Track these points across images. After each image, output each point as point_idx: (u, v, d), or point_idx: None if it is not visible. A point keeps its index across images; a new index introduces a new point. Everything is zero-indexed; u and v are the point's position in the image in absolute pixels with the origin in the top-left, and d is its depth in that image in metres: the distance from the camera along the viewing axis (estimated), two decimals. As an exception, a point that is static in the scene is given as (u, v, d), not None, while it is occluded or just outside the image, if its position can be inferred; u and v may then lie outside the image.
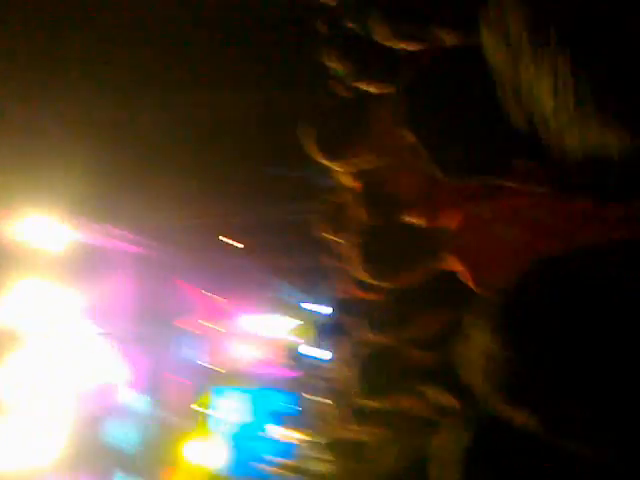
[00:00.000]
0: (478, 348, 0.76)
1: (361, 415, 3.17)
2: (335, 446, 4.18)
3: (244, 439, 12.04)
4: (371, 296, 2.73)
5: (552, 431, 0.74)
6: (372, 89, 1.65)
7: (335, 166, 1.99)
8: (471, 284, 1.42)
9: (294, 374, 11.07)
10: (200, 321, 11.76)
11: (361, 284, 2.78)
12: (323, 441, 7.67)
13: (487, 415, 0.83)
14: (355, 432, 3.77)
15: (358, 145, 1.82)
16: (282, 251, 10.42)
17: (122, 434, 9.66)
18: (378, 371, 1.99)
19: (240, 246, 10.43)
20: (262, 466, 10.52)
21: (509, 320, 0.74)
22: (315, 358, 9.37)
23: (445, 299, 1.93)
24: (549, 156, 0.84)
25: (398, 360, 1.98)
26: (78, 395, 8.28)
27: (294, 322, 11.63)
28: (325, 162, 1.93)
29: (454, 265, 1.51)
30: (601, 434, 0.70)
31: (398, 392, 1.98)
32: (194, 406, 11.80)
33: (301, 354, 9.94)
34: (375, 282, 1.80)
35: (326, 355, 9.24)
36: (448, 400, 1.74)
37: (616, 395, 0.68)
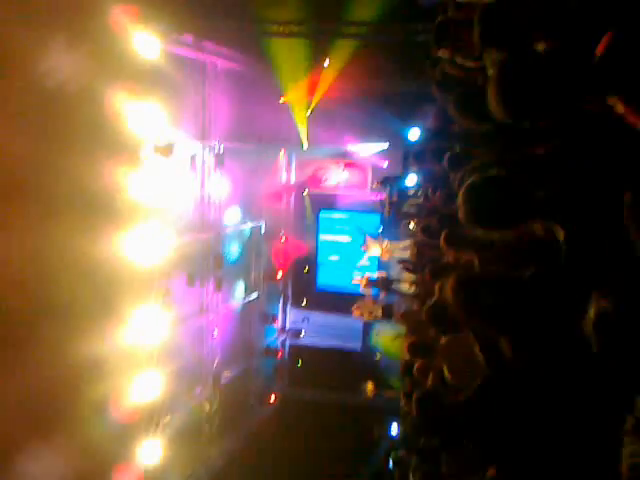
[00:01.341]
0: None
1: (457, 240, 3.33)
2: (435, 269, 4.42)
3: (339, 257, 12.93)
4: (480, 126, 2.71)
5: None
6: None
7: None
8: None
9: (385, 197, 11.42)
10: (298, 144, 12.02)
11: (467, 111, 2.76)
12: (413, 261, 8.13)
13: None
14: (451, 256, 3.95)
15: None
16: (379, 75, 10.22)
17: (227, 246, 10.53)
18: (485, 199, 1.98)
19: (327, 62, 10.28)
20: (354, 281, 11.37)
21: None
22: (404, 183, 9.58)
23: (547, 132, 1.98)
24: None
25: (507, 189, 1.97)
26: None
27: (386, 146, 11.72)
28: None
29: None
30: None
31: (504, 222, 2.00)
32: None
33: (392, 178, 10.15)
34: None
35: (414, 180, 9.41)
36: (555, 234, 1.81)
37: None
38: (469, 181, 1.99)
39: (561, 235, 1.83)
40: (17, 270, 5.08)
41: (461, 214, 2.04)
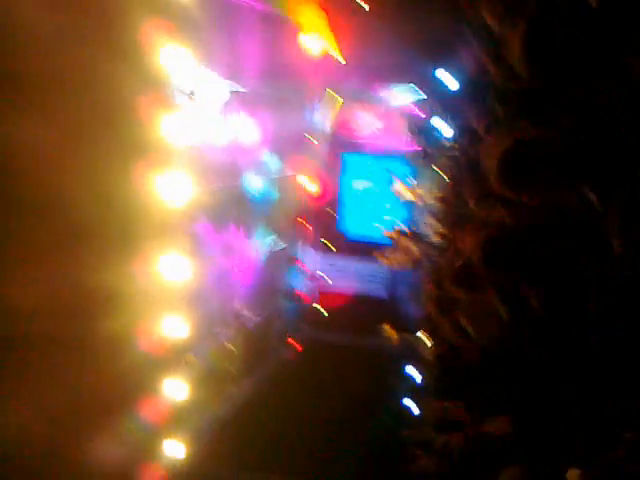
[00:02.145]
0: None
1: (487, 201, 3.26)
2: (458, 221, 4.37)
3: (365, 202, 12.81)
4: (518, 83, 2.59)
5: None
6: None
7: None
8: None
9: (415, 145, 11.19)
10: (326, 88, 11.75)
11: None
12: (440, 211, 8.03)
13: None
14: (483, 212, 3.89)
15: None
16: (413, 19, 9.83)
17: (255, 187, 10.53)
18: (524, 161, 1.89)
19: (367, 8, 9.91)
20: (380, 227, 11.31)
21: None
22: (440, 133, 9.34)
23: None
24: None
25: (546, 151, 1.88)
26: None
27: (419, 93, 11.38)
28: None
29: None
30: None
31: (541, 183, 1.92)
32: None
33: (427, 128, 9.91)
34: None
35: (448, 130, 9.17)
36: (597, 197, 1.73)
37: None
38: (503, 147, 1.93)
39: (595, 200, 1.78)
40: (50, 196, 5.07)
41: (494, 178, 2.00)
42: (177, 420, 8.23)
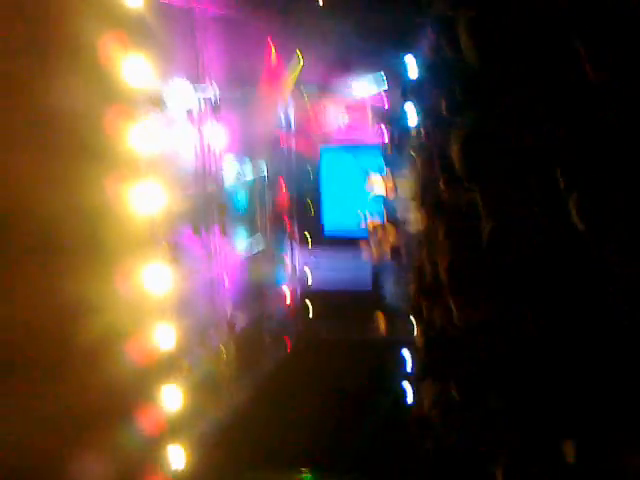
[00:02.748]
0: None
1: (456, 182, 3.33)
2: (432, 207, 4.45)
3: (343, 196, 12.87)
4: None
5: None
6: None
7: None
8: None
9: (384, 135, 11.27)
10: (292, 85, 11.79)
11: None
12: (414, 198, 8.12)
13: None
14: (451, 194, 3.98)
15: None
16: (372, 6, 9.90)
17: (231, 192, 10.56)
18: (481, 153, 1.93)
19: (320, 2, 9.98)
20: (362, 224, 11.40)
21: None
22: (406, 121, 9.42)
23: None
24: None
25: (503, 143, 1.93)
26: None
27: (383, 83, 11.47)
28: None
29: None
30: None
31: (501, 176, 1.97)
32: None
33: (393, 117, 9.99)
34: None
35: (413, 115, 9.25)
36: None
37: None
38: (464, 134, 1.97)
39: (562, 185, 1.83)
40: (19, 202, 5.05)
41: (457, 166, 2.03)
42: (175, 427, 8.24)
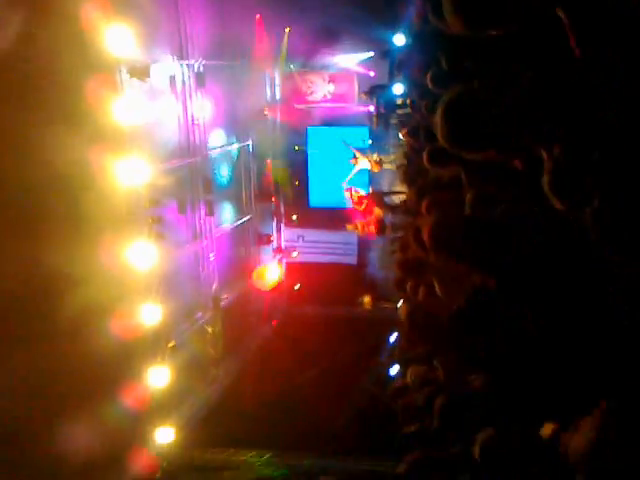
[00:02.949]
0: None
1: (441, 158, 3.29)
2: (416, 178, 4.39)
3: (330, 172, 12.79)
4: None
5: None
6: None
7: None
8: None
9: (373, 109, 11.17)
10: (280, 60, 11.60)
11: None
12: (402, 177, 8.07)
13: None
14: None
15: None
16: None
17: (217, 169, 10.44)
18: (464, 117, 1.89)
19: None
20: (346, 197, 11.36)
21: None
22: (392, 92, 9.34)
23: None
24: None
25: (487, 107, 1.89)
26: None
27: (372, 55, 11.32)
28: None
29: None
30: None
31: (484, 143, 1.94)
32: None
33: (379, 88, 9.87)
34: None
35: (401, 90, 9.16)
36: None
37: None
38: (447, 97, 1.91)
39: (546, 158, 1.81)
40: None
41: (439, 134, 1.99)
42: (162, 405, 8.25)
